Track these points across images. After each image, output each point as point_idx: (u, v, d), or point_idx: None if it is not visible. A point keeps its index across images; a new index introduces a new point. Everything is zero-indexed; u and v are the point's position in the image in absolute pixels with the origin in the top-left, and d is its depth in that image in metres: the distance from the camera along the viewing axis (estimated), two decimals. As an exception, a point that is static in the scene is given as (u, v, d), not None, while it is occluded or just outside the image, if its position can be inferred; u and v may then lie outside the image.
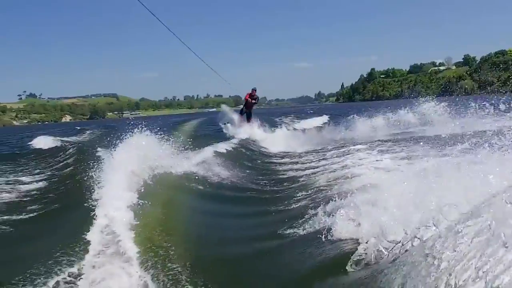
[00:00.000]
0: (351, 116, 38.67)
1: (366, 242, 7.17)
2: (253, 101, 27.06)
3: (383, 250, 6.61)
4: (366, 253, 7.00)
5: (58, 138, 43.06)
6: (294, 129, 40.71)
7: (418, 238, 5.95)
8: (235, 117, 33.24)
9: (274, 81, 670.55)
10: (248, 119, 30.99)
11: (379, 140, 23.67)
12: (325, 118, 55.92)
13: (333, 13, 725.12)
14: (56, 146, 33.48)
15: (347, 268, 6.73)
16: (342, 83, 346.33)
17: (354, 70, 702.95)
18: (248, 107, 30.50)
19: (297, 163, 20.65)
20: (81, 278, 6.94)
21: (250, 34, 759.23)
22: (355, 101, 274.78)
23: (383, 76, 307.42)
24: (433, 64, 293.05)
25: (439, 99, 37.77)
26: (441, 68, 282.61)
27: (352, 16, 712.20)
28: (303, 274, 6.97)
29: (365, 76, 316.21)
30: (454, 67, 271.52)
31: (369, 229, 7.49)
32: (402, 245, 6.30)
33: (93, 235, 8.40)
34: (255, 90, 29.94)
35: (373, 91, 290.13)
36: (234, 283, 7.15)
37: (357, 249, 7.14)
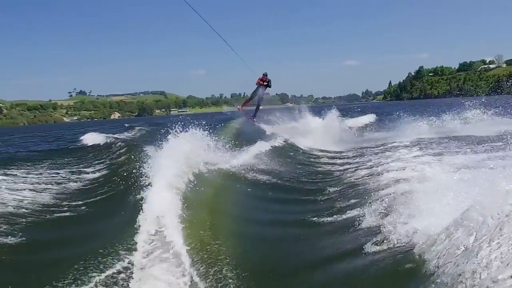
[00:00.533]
0: (397, 115, 38.28)
1: (393, 234, 7.51)
2: (265, 83, 26.44)
3: (411, 241, 6.92)
4: (393, 243, 7.35)
5: (109, 135, 44.19)
6: (341, 128, 40.03)
7: (449, 235, 6.13)
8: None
9: (322, 79, 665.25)
10: (255, 114, 30.30)
11: (420, 139, 23.38)
12: (371, 117, 55.36)
13: (383, 10, 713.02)
14: (106, 142, 34.65)
15: (366, 252, 7.25)
16: (390, 81, 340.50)
17: (402, 68, 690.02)
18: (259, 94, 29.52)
19: (338, 159, 20.93)
20: (130, 275, 7.16)
21: (296, 31, 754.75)
22: (403, 99, 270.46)
23: (431, 74, 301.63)
24: (483, 62, 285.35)
25: (488, 98, 37.07)
26: (491, 66, 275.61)
27: (402, 12, 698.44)
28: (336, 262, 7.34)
29: (413, 74, 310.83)
30: (504, 65, 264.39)
31: (399, 223, 7.83)
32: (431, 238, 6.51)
33: (142, 232, 8.44)
34: (266, 75, 29.59)
35: (421, 90, 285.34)
36: (277, 281, 7.20)
37: (385, 240, 7.51)
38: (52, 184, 16.95)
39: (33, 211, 12.65)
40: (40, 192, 15.35)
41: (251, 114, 27.79)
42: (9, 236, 10.15)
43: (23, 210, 12.65)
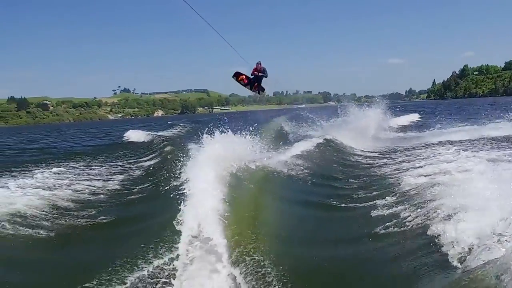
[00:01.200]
0: (439, 114, 37.86)
1: (457, 242, 7.29)
2: (260, 73, 25.98)
3: (475, 249, 6.68)
4: (458, 252, 7.10)
5: (152, 132, 46.10)
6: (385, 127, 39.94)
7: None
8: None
9: (365, 78, 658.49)
10: (258, 88, 29.16)
11: (469, 140, 23.27)
12: (414, 116, 55.11)
13: (427, 8, 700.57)
14: (149, 139, 36.16)
15: (443, 266, 6.95)
16: (434, 80, 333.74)
17: (447, 67, 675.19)
18: (256, 81, 28.58)
19: (379, 158, 21.12)
20: (173, 269, 7.46)
21: (337, 28, 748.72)
22: (447, 98, 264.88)
23: (476, 73, 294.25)
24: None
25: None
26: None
27: (447, 10, 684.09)
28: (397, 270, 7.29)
29: (457, 73, 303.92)
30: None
31: (460, 229, 7.57)
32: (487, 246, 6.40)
33: (185, 228, 8.66)
34: (260, 63, 29.04)
35: (466, 89, 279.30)
36: (318, 281, 7.26)
37: (450, 248, 7.30)
38: (109, 176, 19.08)
39: (105, 196, 14.84)
40: (107, 181, 17.61)
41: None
42: (101, 216, 12.06)
43: (98, 196, 14.92)
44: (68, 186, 16.42)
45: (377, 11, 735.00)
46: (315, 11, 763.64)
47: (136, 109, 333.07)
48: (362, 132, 33.39)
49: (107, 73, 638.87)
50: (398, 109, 60.23)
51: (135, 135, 43.35)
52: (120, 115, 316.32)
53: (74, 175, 19.19)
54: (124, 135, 47.18)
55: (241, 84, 26.16)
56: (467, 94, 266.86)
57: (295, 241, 9.38)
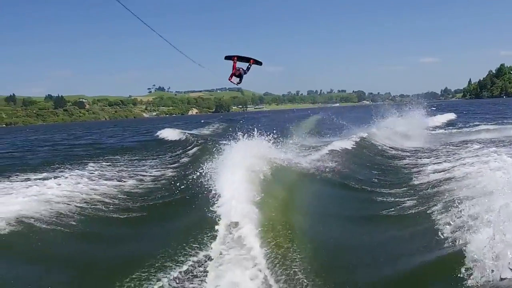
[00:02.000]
0: (475, 113, 37.52)
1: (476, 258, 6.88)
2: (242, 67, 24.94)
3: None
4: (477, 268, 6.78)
5: (183, 131, 46.23)
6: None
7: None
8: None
9: (399, 76, 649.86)
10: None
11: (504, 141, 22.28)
12: (450, 116, 54.61)
13: (461, 6, 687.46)
14: (182, 138, 36.88)
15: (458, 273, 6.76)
16: (470, 79, 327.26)
17: (483, 66, 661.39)
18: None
19: (415, 157, 20.71)
20: (205, 268, 7.59)
21: (370, 27, 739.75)
22: (483, 97, 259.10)
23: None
24: None
25: None
26: None
27: (483, 8, 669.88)
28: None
29: (493, 72, 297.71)
30: None
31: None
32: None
33: (218, 228, 8.82)
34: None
35: (502, 88, 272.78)
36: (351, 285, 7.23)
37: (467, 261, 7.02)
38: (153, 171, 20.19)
39: (142, 191, 15.61)
40: (143, 177, 18.61)
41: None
42: (135, 212, 12.54)
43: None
44: (110, 180, 17.65)
45: (413, 8, 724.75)
46: (349, 9, 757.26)
47: (171, 108, 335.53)
48: (397, 131, 33.18)
49: (142, 72, 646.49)
50: (433, 108, 59.65)
51: (169, 133, 44.01)
52: (155, 114, 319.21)
53: (117, 170, 20.60)
54: (160, 132, 48.07)
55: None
56: (504, 93, 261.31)
57: (327, 242, 9.23)
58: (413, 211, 11.00)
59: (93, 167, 21.07)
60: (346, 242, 9.42)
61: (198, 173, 15.65)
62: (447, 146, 23.13)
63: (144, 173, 20.22)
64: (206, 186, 13.09)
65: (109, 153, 30.64)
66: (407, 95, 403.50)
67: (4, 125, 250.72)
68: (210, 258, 7.92)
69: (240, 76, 21.06)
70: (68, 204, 12.95)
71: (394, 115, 40.45)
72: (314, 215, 11.58)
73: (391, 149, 25.36)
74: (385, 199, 12.86)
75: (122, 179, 18.13)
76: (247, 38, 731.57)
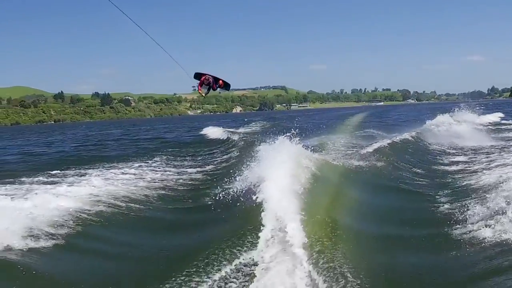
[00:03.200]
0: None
1: None
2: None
3: None
4: None
5: (226, 129, 47.19)
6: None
7: None
8: None
9: (445, 75, 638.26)
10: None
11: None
12: (498, 116, 52.94)
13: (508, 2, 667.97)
14: (225, 136, 37.24)
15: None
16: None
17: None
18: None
19: (465, 160, 19.86)
20: (251, 268, 7.51)
21: (413, 23, 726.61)
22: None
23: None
24: None
25: None
26: None
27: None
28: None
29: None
30: None
31: None
32: None
33: (262, 227, 8.77)
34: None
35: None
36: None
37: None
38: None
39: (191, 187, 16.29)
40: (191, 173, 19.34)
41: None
42: (181, 210, 12.95)
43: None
44: (175, 174, 18.90)
45: (460, 5, 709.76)
46: (394, 7, 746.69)
47: (215, 105, 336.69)
48: (445, 130, 32.22)
49: (187, 69, 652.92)
50: (482, 107, 58.40)
51: (213, 131, 44.65)
52: (200, 111, 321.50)
53: (181, 164, 22.38)
54: (204, 130, 48.95)
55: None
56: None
57: (374, 242, 9.21)
58: (462, 212, 10.54)
59: (164, 160, 23.68)
60: (394, 241, 9.30)
61: (242, 171, 15.84)
62: (504, 147, 22.56)
63: (192, 170, 20.74)
64: (250, 185, 13.12)
65: (175, 147, 33.20)
66: (453, 94, 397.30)
67: (53, 122, 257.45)
68: (254, 257, 7.88)
69: (209, 85, 21.06)
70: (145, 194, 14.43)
71: (445, 114, 39.73)
72: (359, 214, 11.46)
73: (442, 149, 24.83)
74: (434, 199, 12.63)
75: (181, 173, 18.98)
76: (290, 37, 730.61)
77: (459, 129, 33.79)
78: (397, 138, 25.51)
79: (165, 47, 17.02)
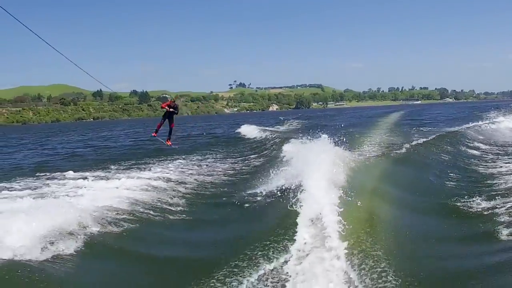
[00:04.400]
0: None
1: None
2: (171, 109, 25.88)
3: None
4: None
5: (262, 127, 48.80)
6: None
7: None
8: None
9: (485, 74, 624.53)
10: (169, 136, 28.15)
11: None
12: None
13: None
14: (261, 135, 38.76)
15: None
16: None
17: None
18: (167, 116, 27.59)
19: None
20: (287, 267, 7.59)
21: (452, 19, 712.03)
22: None
23: None
24: None
25: None
26: None
27: None
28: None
29: None
30: None
31: None
32: None
33: (300, 226, 8.96)
34: (174, 101, 28.58)
35: None
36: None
37: None
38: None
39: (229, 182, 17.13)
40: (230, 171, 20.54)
41: (165, 137, 27.88)
42: (219, 208, 13.33)
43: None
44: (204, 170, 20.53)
45: (501, 4, 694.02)
46: (433, 4, 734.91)
47: (251, 103, 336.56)
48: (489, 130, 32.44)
49: (223, 68, 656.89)
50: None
51: (249, 130, 46.34)
52: (236, 109, 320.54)
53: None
54: (238, 129, 51.10)
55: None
56: None
57: (412, 240, 9.14)
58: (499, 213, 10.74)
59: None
60: (433, 240, 9.29)
61: (278, 169, 16.50)
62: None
63: (228, 166, 22.06)
64: (287, 182, 13.45)
65: (217, 143, 36.61)
66: (492, 93, 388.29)
67: (92, 119, 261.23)
68: (290, 257, 7.93)
69: (175, 108, 25.24)
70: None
71: (491, 112, 39.25)
72: (398, 211, 11.55)
73: (485, 147, 24.59)
74: (478, 196, 12.60)
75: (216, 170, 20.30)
76: (326, 35, 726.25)
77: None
78: (437, 135, 26.15)
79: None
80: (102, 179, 17.87)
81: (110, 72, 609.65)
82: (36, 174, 20.34)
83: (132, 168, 21.80)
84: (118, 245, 9.64)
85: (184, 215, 12.52)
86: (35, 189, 16.64)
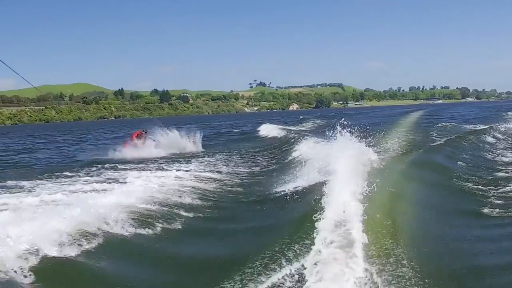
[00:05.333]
0: None
1: None
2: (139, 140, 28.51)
3: None
4: None
5: (283, 126, 49.29)
6: None
7: None
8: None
9: (507, 73, 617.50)
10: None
11: None
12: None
13: None
14: (282, 134, 39.02)
15: None
16: None
17: None
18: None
19: None
20: (307, 265, 7.41)
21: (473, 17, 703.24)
22: None
23: None
24: None
25: None
26: None
27: None
28: None
29: None
30: None
31: None
32: None
33: (324, 223, 8.71)
34: (146, 132, 30.35)
35: None
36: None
37: None
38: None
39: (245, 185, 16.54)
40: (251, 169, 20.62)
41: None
42: (237, 208, 13.04)
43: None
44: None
45: None
46: (450, 4, 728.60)
47: (272, 103, 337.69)
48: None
49: (243, 67, 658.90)
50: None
51: (270, 129, 46.44)
52: (256, 108, 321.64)
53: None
54: (259, 128, 51.52)
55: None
56: None
57: (436, 242, 8.91)
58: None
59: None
60: (457, 243, 9.04)
61: (300, 168, 16.47)
62: None
63: (251, 166, 21.88)
64: (309, 182, 13.34)
65: (241, 141, 38.00)
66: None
67: (113, 118, 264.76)
68: (312, 254, 7.78)
69: (144, 138, 27.68)
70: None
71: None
72: (422, 211, 11.35)
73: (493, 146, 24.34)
74: (501, 201, 12.28)
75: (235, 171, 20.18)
76: (346, 34, 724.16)
77: None
78: (460, 134, 26.06)
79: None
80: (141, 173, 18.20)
81: (132, 71, 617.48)
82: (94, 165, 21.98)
83: (161, 165, 21.91)
84: (142, 242, 9.70)
85: (206, 213, 12.48)
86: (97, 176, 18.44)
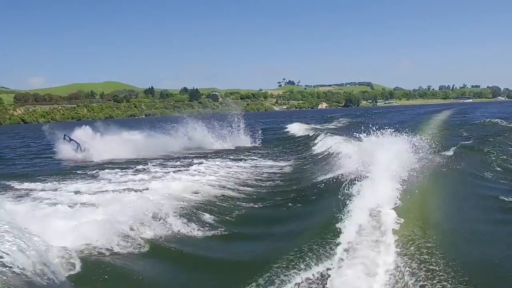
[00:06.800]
0: None
1: None
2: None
3: None
4: None
5: (312, 125, 50.42)
6: None
7: None
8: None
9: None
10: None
11: None
12: None
13: None
14: (311, 132, 39.53)
15: None
16: None
17: None
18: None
19: None
20: (336, 262, 7.45)
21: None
22: None
23: None
24: None
25: None
26: None
27: None
28: None
29: None
30: None
31: None
32: None
33: (355, 217, 8.85)
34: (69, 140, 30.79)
35: None
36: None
37: None
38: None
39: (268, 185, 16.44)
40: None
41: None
42: (260, 209, 12.95)
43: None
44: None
45: None
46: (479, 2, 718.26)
47: (301, 101, 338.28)
48: None
49: (272, 65, 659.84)
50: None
51: (299, 128, 47.78)
52: (285, 107, 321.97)
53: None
54: (287, 126, 52.84)
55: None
56: None
57: (467, 239, 8.90)
58: None
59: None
60: (489, 239, 9.07)
61: (331, 166, 16.57)
62: None
63: (280, 164, 22.13)
64: (340, 179, 13.34)
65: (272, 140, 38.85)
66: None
67: (144, 116, 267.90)
68: (339, 243, 7.94)
69: (78, 145, 28.86)
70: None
71: None
72: (454, 209, 11.29)
73: None
74: None
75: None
76: (376, 32, 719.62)
77: None
78: (492, 133, 26.39)
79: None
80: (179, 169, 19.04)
81: (161, 70, 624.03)
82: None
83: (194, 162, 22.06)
84: (169, 244, 9.67)
85: (239, 211, 12.61)
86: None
